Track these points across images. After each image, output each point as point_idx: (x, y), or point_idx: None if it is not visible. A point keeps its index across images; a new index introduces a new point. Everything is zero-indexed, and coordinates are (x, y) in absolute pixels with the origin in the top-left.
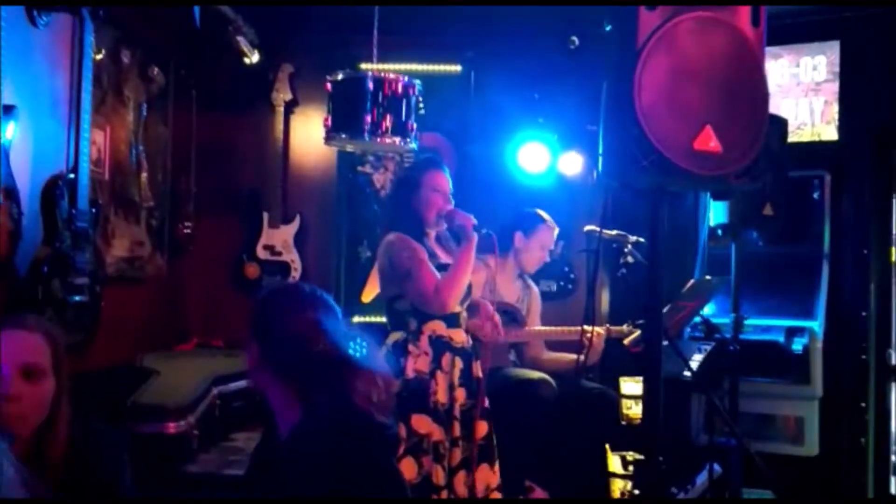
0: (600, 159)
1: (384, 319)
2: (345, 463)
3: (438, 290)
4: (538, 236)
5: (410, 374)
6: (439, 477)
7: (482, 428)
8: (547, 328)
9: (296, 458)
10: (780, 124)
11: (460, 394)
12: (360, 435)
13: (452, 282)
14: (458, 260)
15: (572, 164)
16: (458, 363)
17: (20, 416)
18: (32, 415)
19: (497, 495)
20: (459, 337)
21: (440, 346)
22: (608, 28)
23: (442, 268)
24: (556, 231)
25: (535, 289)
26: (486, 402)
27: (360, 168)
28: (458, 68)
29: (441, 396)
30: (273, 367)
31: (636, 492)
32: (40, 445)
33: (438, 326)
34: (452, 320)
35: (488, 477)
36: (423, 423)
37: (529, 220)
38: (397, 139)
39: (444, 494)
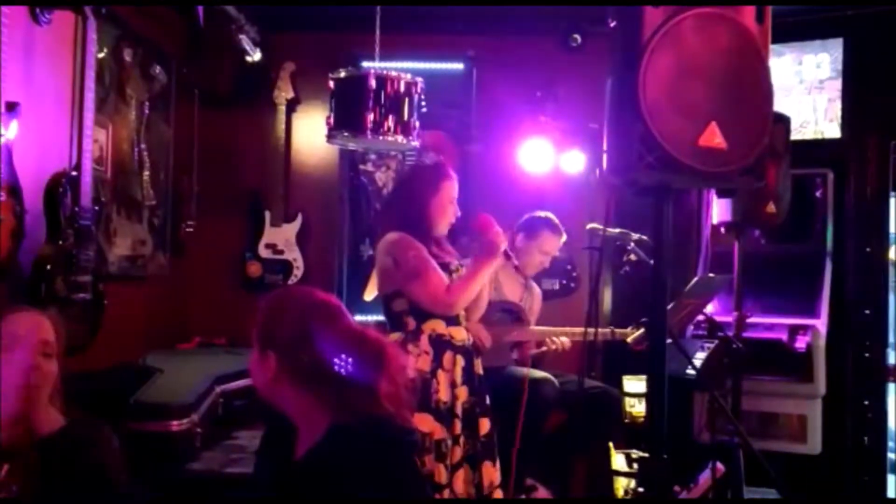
0: (604, 157)
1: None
2: (380, 464)
3: (450, 292)
4: (539, 241)
5: (411, 373)
6: (441, 475)
7: (484, 425)
8: (550, 328)
9: (336, 461)
10: (784, 122)
11: (462, 392)
12: (392, 438)
13: (466, 286)
14: (477, 270)
15: (575, 161)
16: (460, 361)
17: (37, 387)
18: (44, 389)
19: (499, 492)
20: (460, 335)
21: (441, 344)
22: (612, 25)
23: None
24: (563, 238)
25: (537, 289)
26: (488, 400)
27: (362, 166)
28: (460, 66)
29: (443, 395)
30: (298, 375)
31: (640, 490)
32: (34, 431)
33: (438, 325)
34: (452, 318)
35: (491, 474)
36: (424, 422)
37: (534, 225)
38: (400, 137)
39: (447, 493)
